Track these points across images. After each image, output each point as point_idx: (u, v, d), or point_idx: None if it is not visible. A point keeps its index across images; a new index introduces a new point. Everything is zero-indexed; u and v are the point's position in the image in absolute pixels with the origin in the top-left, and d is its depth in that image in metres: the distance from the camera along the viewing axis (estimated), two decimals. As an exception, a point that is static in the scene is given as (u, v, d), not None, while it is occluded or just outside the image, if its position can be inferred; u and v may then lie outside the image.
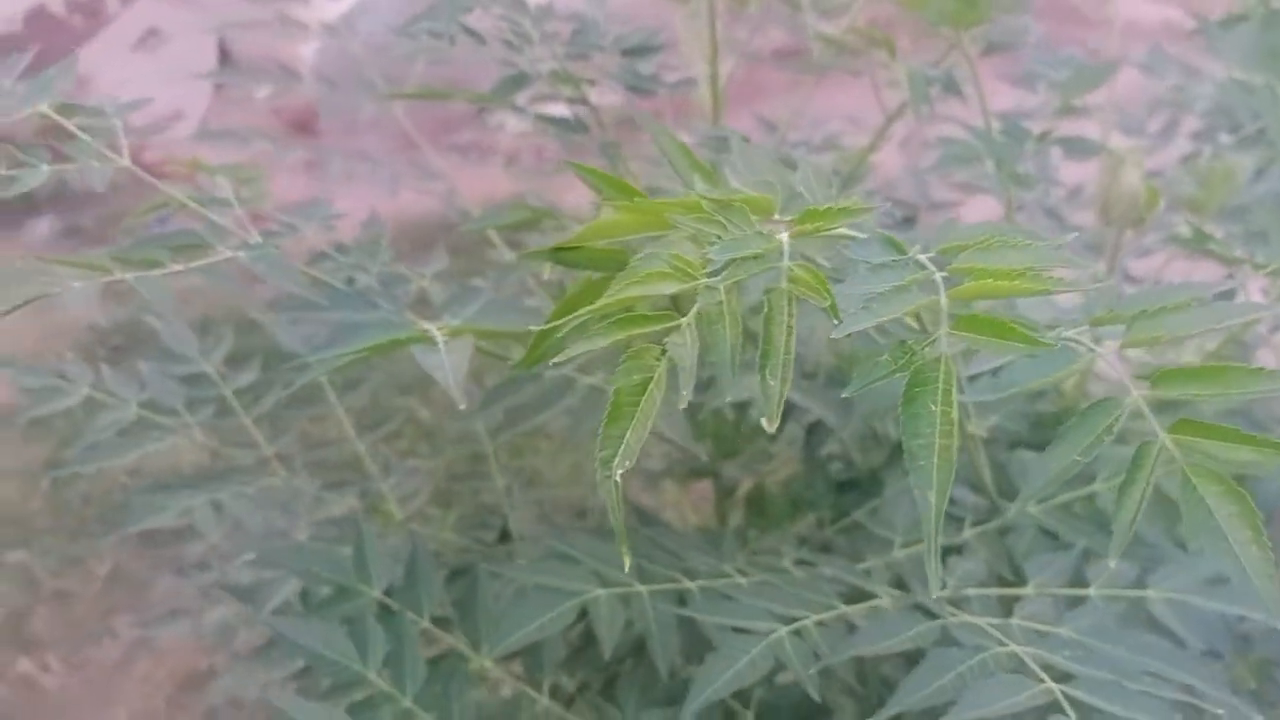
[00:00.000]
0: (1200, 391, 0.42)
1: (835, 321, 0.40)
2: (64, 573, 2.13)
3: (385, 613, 0.80)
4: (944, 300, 0.40)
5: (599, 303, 0.43)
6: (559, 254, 0.53)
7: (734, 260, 0.42)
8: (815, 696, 0.57)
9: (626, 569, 0.40)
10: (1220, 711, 0.52)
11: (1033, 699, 0.52)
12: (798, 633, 0.61)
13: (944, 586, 0.67)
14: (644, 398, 0.41)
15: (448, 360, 0.58)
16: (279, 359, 1.17)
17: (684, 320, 0.41)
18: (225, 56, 3.44)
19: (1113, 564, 0.40)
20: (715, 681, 0.58)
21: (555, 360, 0.43)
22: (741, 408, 0.92)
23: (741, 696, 0.85)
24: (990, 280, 0.39)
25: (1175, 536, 0.67)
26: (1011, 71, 1.01)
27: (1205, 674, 0.55)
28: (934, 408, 0.39)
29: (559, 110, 1.00)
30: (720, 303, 0.41)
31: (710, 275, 0.42)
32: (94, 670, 1.95)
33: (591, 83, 0.92)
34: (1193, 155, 0.96)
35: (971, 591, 0.66)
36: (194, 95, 3.18)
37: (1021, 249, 0.41)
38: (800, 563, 0.76)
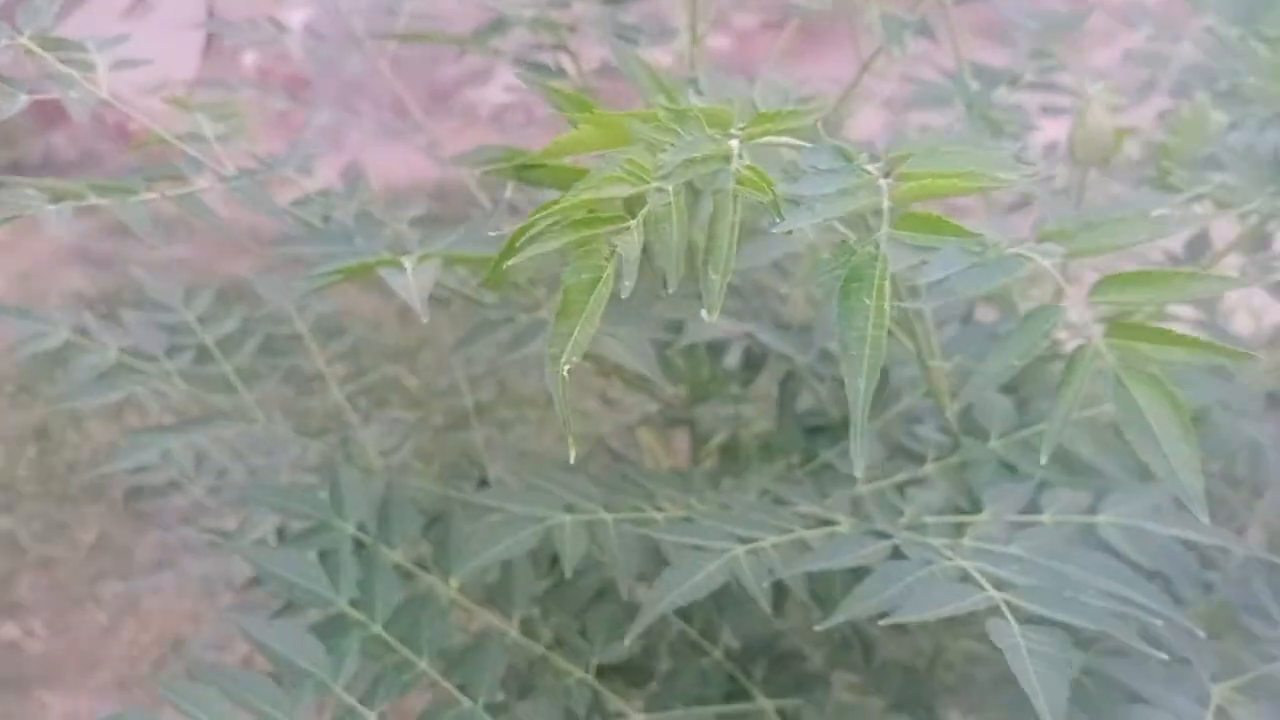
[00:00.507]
0: (1139, 297, 0.43)
1: (777, 219, 0.41)
2: (49, 539, 2.14)
3: (359, 546, 0.81)
4: (886, 202, 0.41)
5: (556, 207, 0.44)
6: (522, 171, 0.54)
7: (685, 162, 0.43)
8: (766, 609, 0.59)
9: (572, 459, 0.41)
10: (1158, 622, 0.54)
11: (975, 605, 0.54)
12: (754, 552, 0.62)
13: (901, 514, 0.69)
14: (593, 296, 0.42)
15: (413, 280, 0.59)
16: (261, 317, 1.18)
17: (633, 221, 0.42)
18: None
19: (1044, 460, 0.41)
20: (670, 593, 0.59)
21: (511, 262, 0.44)
22: (715, 351, 0.93)
23: (710, 635, 0.87)
24: (930, 180, 0.41)
25: (1129, 468, 0.68)
26: (988, 22, 1.01)
27: (1151, 591, 0.56)
28: (868, 301, 0.40)
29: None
30: (669, 204, 0.42)
31: (662, 179, 0.43)
32: (79, 635, 1.96)
33: (571, 29, 0.93)
34: (1169, 111, 0.96)
35: (929, 519, 0.68)
36: (180, 63, 3.17)
37: (967, 155, 0.42)
38: (774, 501, 0.77)
